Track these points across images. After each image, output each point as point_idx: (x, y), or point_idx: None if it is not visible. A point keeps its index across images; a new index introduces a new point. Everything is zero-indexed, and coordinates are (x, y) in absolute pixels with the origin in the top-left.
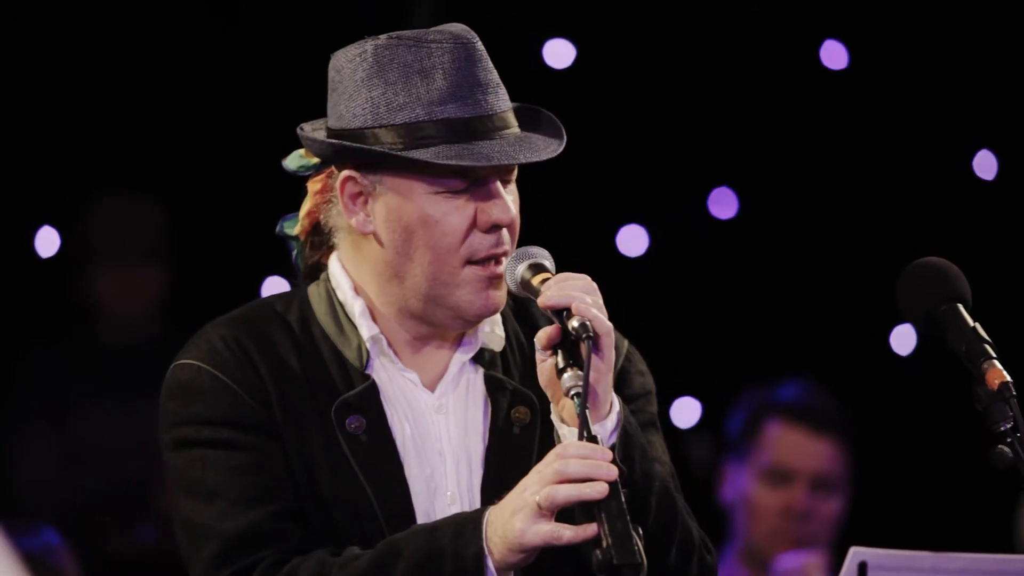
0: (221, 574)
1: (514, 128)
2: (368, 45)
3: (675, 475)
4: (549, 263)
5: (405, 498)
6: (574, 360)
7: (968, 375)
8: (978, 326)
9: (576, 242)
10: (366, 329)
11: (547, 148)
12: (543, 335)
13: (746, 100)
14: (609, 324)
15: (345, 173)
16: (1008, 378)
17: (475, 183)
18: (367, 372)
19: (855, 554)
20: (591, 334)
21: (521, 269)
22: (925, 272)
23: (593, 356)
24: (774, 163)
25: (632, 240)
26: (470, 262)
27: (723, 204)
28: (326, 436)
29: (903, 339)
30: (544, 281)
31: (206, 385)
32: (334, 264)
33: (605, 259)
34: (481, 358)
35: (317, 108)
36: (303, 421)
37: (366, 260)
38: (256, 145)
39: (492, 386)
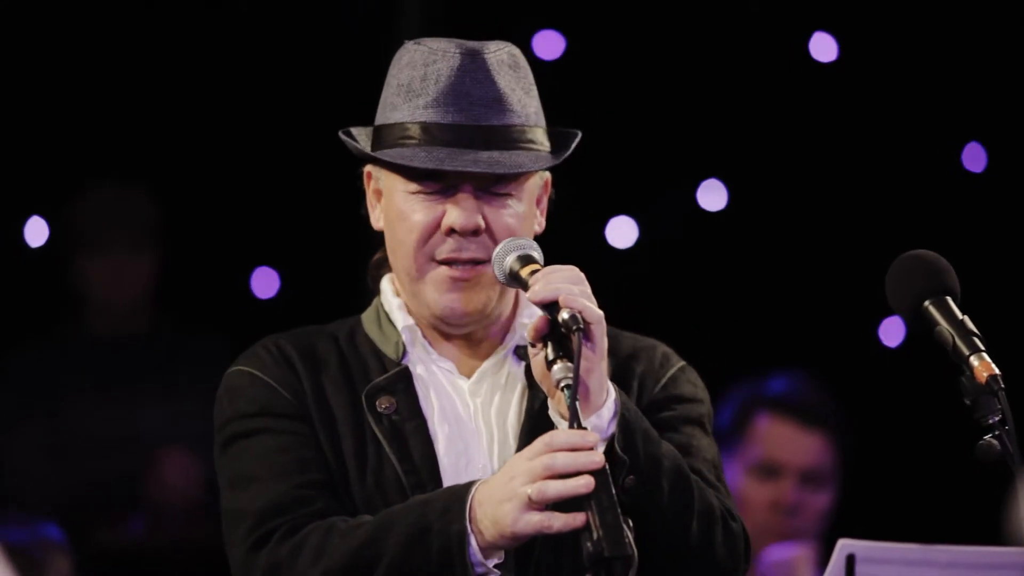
0: (247, 544)
1: (516, 144)
2: (403, 48)
3: (718, 466)
4: (537, 254)
5: (432, 468)
6: (564, 352)
7: (956, 368)
8: (967, 319)
9: (566, 234)
10: (401, 320)
11: (513, 166)
12: (531, 328)
13: (735, 92)
14: (599, 312)
15: (367, 169)
16: (996, 371)
17: (449, 187)
18: (403, 362)
19: (843, 546)
20: (581, 325)
21: (509, 260)
22: (914, 265)
23: (584, 346)
24: (763, 155)
25: (621, 232)
26: (435, 261)
27: (712, 196)
28: (357, 418)
29: (892, 331)
30: (532, 273)
31: (245, 383)
32: (385, 277)
33: (595, 251)
34: (526, 352)
35: (305, 101)
36: (336, 408)
37: (389, 259)
38: (246, 137)
39: (532, 378)
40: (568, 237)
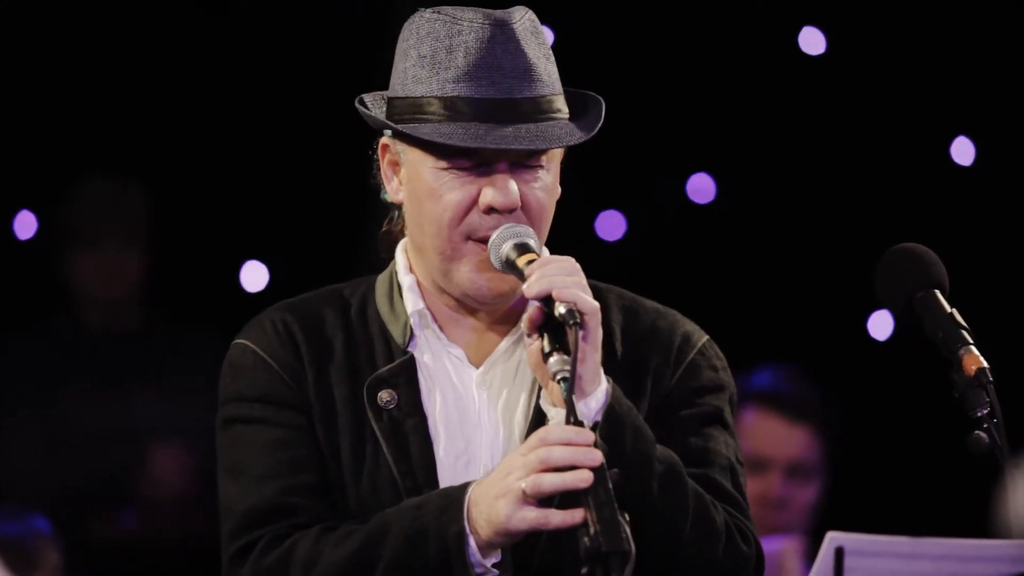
0: (229, 551)
1: (546, 115)
2: (417, 15)
3: (735, 469)
4: (534, 242)
5: (430, 471)
6: (560, 344)
7: (945, 361)
8: (955, 312)
9: (555, 227)
10: (411, 303)
11: (553, 139)
12: (527, 318)
13: (725, 86)
14: (595, 304)
15: (383, 140)
16: (985, 364)
17: (483, 163)
18: (408, 349)
19: (832, 539)
20: (577, 320)
21: (506, 248)
22: (902, 258)
23: (579, 338)
24: (752, 148)
25: (610, 225)
26: (471, 239)
27: (701, 189)
28: (356, 412)
29: (880, 325)
30: (529, 263)
31: (248, 363)
32: (399, 245)
33: (583, 244)
34: None
35: (294, 96)
36: (336, 398)
37: (409, 234)
38: (235, 131)
39: None
40: (557, 230)
